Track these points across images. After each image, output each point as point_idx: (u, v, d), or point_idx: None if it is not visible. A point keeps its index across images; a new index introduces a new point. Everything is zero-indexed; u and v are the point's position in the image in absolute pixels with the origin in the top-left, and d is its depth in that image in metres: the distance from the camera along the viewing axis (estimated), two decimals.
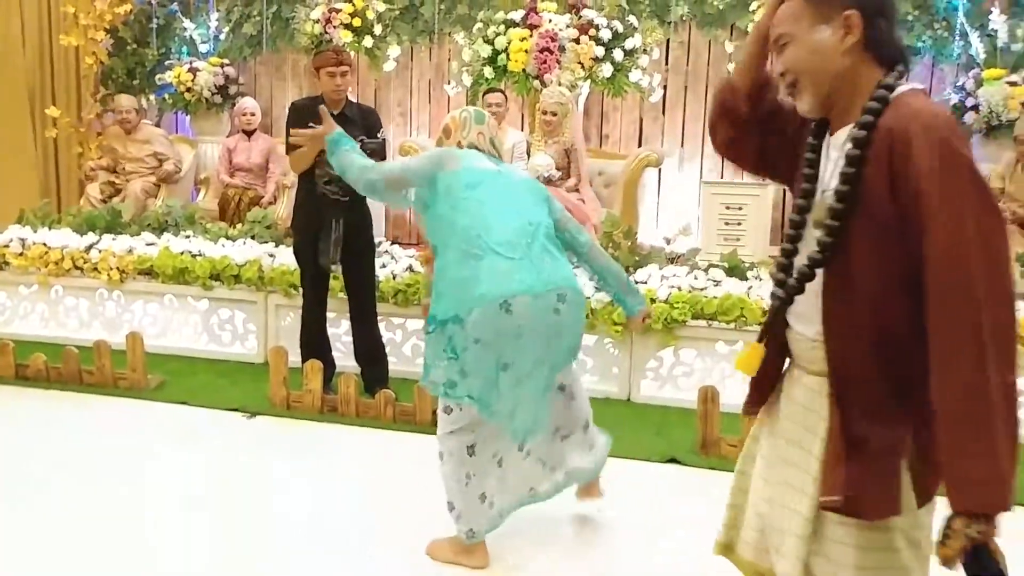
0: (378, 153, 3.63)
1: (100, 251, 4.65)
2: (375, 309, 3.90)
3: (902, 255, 1.28)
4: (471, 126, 2.57)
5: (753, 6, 5.85)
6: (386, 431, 3.51)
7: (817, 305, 1.39)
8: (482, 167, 2.46)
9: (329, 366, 3.86)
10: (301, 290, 3.97)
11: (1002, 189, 5.21)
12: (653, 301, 3.83)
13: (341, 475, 3.07)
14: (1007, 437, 1.20)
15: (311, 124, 3.61)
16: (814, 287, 1.39)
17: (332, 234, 3.65)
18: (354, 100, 4.00)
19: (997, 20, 5.62)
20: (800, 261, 1.42)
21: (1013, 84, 5.47)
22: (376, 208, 6.74)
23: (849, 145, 1.32)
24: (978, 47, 5.73)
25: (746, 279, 4.00)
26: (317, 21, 6.34)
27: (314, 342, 3.89)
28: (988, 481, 1.19)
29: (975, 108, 5.59)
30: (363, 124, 3.71)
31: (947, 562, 1.23)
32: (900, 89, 1.32)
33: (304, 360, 3.77)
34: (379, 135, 3.72)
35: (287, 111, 3.82)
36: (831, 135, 1.41)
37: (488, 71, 5.89)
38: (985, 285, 1.20)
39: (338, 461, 3.22)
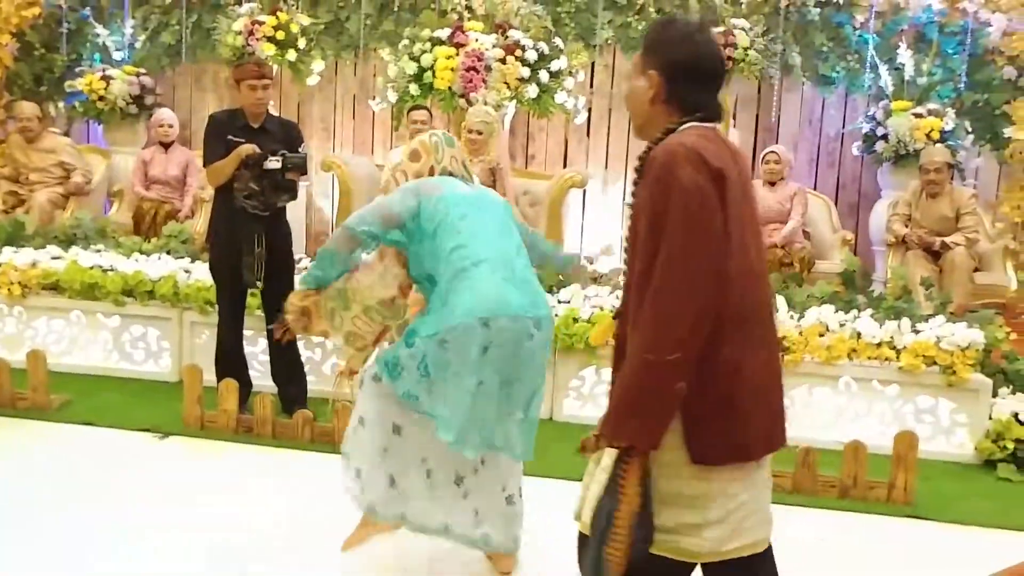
0: (300, 167, 3.56)
1: (0, 264, 4.42)
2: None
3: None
4: (443, 149, 2.53)
5: None
6: (304, 452, 3.42)
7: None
8: (464, 192, 2.45)
9: (245, 385, 3.75)
10: (217, 307, 3.85)
11: (909, 216, 5.47)
12: (576, 320, 3.85)
13: (257, 497, 2.97)
14: (643, 397, 1.55)
15: (230, 137, 3.54)
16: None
17: (255, 250, 3.56)
18: (275, 114, 3.92)
19: (904, 55, 5.93)
20: None
21: (919, 116, 5.76)
22: (296, 224, 6.63)
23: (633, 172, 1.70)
24: (887, 79, 6.03)
25: None
26: (239, 33, 6.20)
27: (230, 361, 3.78)
28: (608, 418, 1.61)
29: (884, 137, 5.87)
30: (284, 138, 3.65)
31: (582, 450, 1.69)
32: (681, 128, 1.63)
33: (219, 379, 3.65)
34: (300, 149, 3.64)
35: (206, 123, 3.72)
36: None
37: (414, 88, 5.87)
38: (660, 278, 1.52)
39: (254, 483, 3.11)
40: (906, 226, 5.42)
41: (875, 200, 6.33)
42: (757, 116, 6.80)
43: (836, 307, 3.97)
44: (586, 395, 3.94)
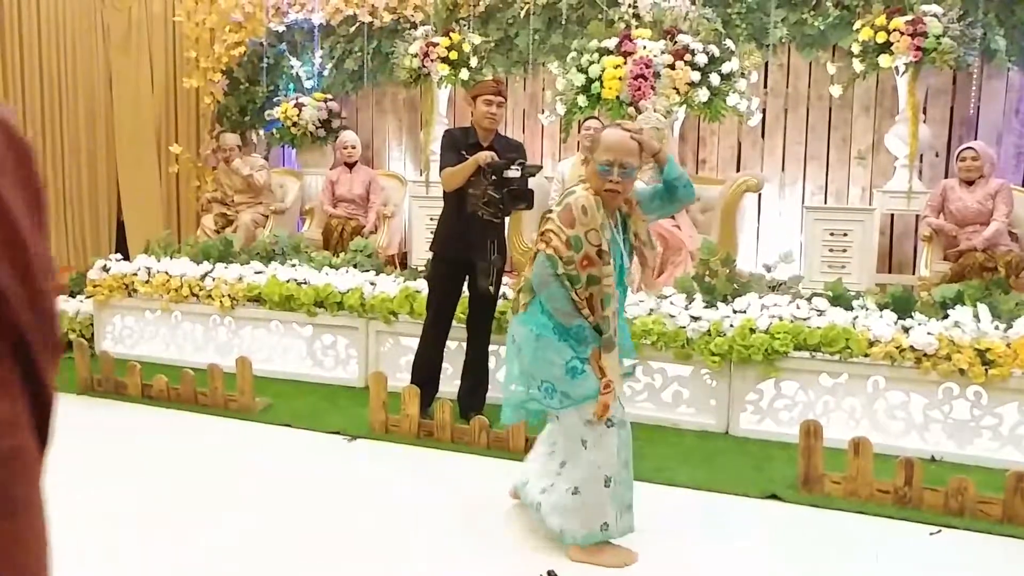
0: (532, 178, 3.57)
1: (214, 279, 4.92)
2: (490, 332, 3.97)
3: None
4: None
5: (857, 25, 5.67)
6: (480, 457, 3.54)
7: None
8: None
9: (433, 389, 3.92)
10: (427, 314, 3.98)
11: None
12: (753, 331, 3.73)
13: (438, 498, 3.11)
14: None
15: (463, 152, 3.67)
16: None
17: (490, 256, 3.62)
18: (504, 134, 3.98)
19: None
20: None
21: None
22: None
23: None
24: None
25: (851, 308, 3.85)
26: (415, 55, 6.54)
27: (428, 367, 3.96)
28: None
29: None
30: (511, 156, 3.66)
31: None
32: None
33: (414, 381, 3.86)
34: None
35: (442, 137, 3.87)
36: None
37: (582, 99, 5.92)
38: None
39: (435, 484, 3.26)
40: None
41: None
42: (952, 109, 6.27)
43: None
44: (764, 409, 3.80)
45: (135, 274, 5.11)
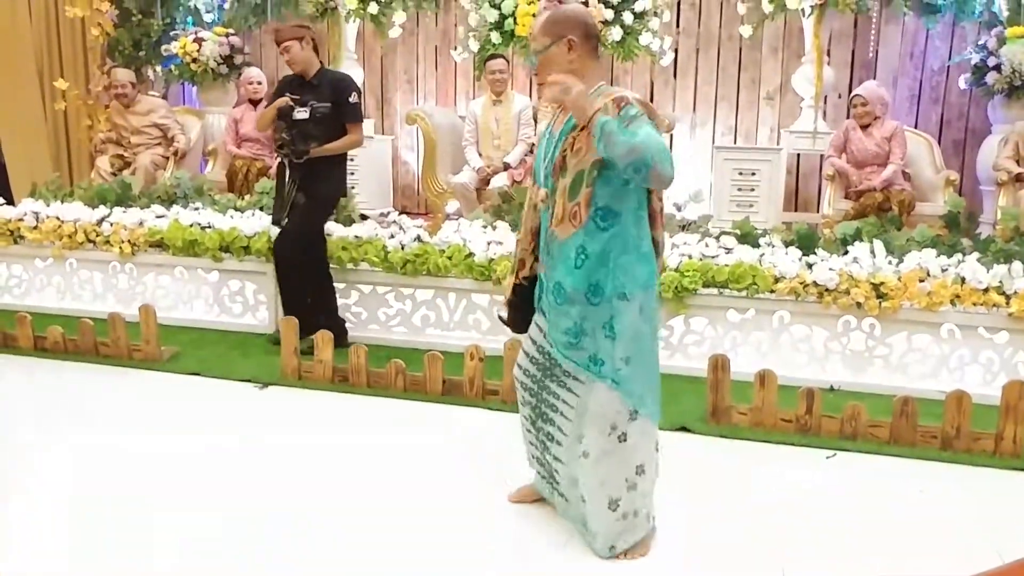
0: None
1: (112, 224, 4.66)
2: (313, 265, 4.07)
3: None
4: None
5: None
6: (397, 400, 3.52)
7: None
8: None
9: (304, 329, 3.82)
10: None
11: None
12: (664, 270, 3.80)
13: (354, 443, 3.09)
14: None
15: (288, 94, 3.95)
16: None
17: (285, 191, 3.92)
18: (330, 68, 4.27)
19: None
20: None
21: None
22: (383, 177, 6.68)
23: None
24: (1001, 4, 5.59)
25: (758, 246, 3.96)
26: None
27: (289, 305, 4.07)
28: None
29: (997, 68, 5.47)
30: (331, 91, 3.94)
31: None
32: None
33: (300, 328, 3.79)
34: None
35: None
36: None
37: (495, 36, 5.81)
38: None
39: (351, 429, 3.23)
40: (1018, 163, 5.09)
41: (983, 137, 5.94)
42: (853, 52, 6.45)
43: (938, 251, 3.78)
44: (674, 345, 3.90)
45: (21, 220, 4.80)
